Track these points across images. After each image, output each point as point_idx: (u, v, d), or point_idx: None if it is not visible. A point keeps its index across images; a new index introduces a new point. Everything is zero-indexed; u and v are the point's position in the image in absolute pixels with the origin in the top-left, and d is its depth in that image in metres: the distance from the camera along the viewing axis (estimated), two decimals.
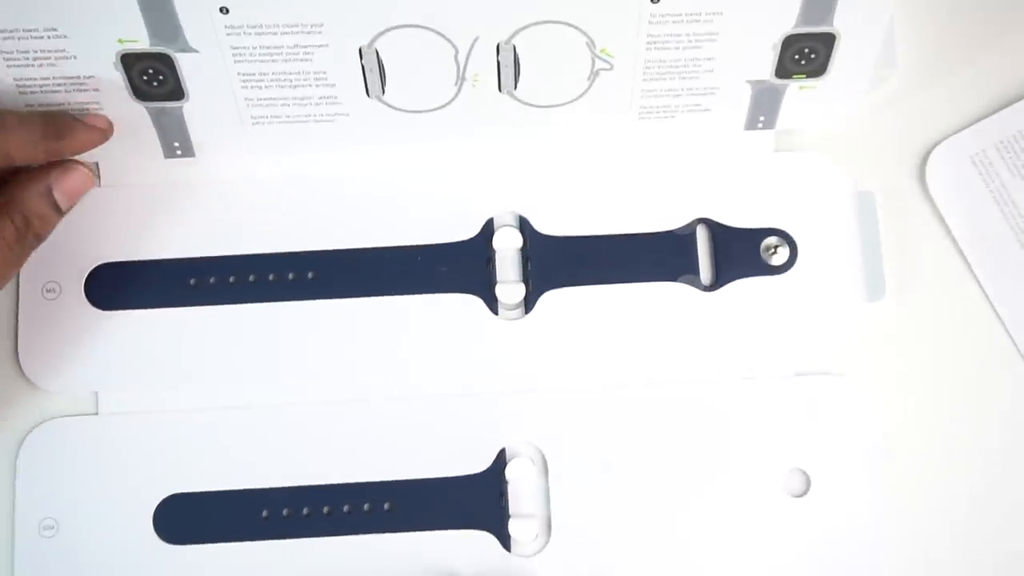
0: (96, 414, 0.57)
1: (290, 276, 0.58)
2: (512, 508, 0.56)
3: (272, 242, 0.58)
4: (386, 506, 0.56)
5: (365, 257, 0.58)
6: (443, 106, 0.56)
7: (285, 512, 0.56)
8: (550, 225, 0.58)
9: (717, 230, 0.58)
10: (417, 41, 0.52)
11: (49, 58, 0.53)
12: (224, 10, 0.50)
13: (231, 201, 0.59)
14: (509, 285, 0.58)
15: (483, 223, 0.58)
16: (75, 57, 0.53)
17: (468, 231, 0.58)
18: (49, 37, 0.52)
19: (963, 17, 0.62)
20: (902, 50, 0.60)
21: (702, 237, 0.59)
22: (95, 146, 0.56)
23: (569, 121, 0.57)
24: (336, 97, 0.55)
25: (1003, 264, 0.59)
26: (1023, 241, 0.59)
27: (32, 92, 0.54)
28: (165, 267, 0.58)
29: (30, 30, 0.51)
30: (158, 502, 0.56)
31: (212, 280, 0.58)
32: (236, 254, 0.58)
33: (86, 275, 0.57)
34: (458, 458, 0.56)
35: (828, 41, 0.54)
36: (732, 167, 0.59)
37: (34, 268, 0.57)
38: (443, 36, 0.52)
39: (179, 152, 0.58)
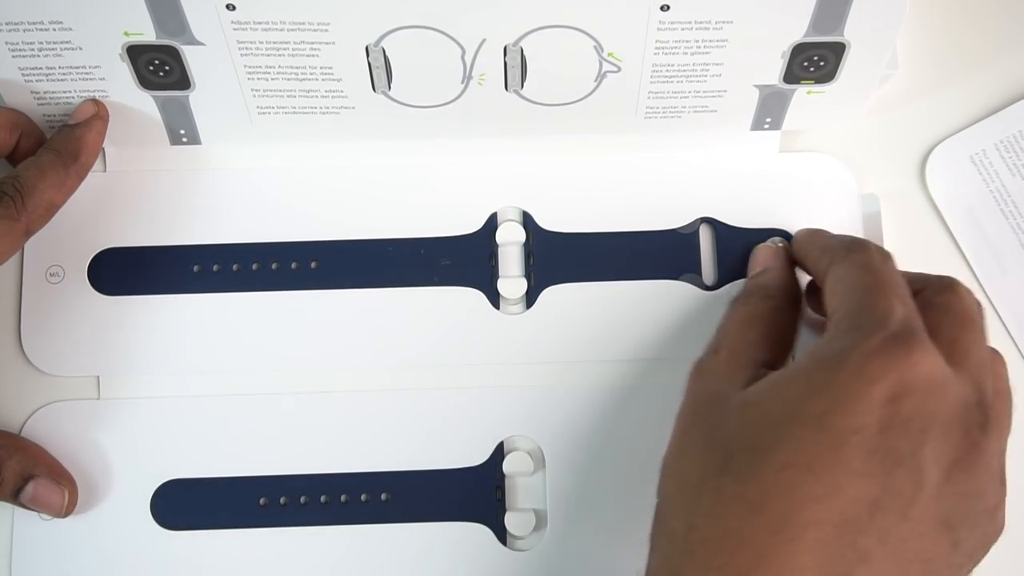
0: (97, 398, 0.57)
1: (292, 265, 0.58)
2: (508, 502, 0.56)
3: (275, 231, 0.58)
4: (383, 497, 0.56)
5: (368, 248, 0.58)
6: (449, 102, 0.56)
7: (282, 500, 0.56)
8: (553, 221, 0.58)
9: (720, 229, 0.58)
10: (424, 41, 0.52)
11: (55, 48, 0.52)
12: (230, 7, 0.50)
13: (236, 189, 0.59)
14: (511, 280, 0.58)
15: (487, 217, 0.58)
16: (80, 48, 0.52)
17: (472, 225, 0.58)
18: (55, 29, 0.51)
19: (963, 17, 0.62)
20: (902, 50, 0.60)
21: (705, 236, 0.59)
22: (105, 132, 0.56)
23: (574, 119, 0.57)
24: (342, 91, 0.55)
25: (1003, 264, 0.59)
26: (1023, 241, 0.59)
27: (38, 80, 0.54)
28: (169, 254, 0.58)
29: (35, 22, 0.51)
30: (156, 487, 0.56)
31: (215, 268, 0.58)
32: (239, 242, 0.58)
33: (90, 260, 0.57)
34: (456, 450, 0.56)
35: (838, 50, 0.53)
36: (737, 167, 0.59)
37: (38, 252, 0.57)
38: (450, 37, 0.52)
39: (185, 140, 0.58)
